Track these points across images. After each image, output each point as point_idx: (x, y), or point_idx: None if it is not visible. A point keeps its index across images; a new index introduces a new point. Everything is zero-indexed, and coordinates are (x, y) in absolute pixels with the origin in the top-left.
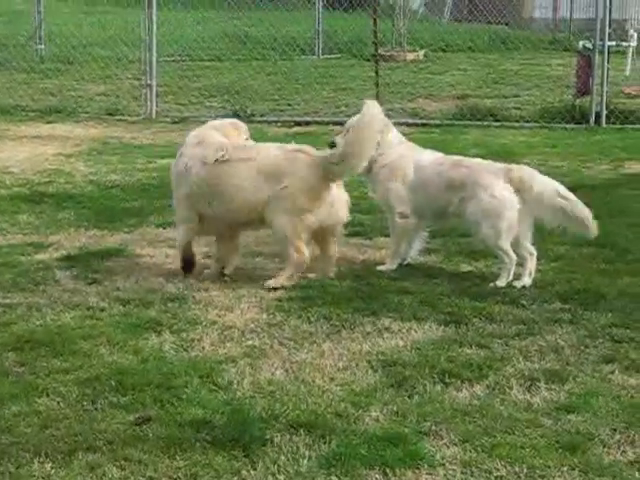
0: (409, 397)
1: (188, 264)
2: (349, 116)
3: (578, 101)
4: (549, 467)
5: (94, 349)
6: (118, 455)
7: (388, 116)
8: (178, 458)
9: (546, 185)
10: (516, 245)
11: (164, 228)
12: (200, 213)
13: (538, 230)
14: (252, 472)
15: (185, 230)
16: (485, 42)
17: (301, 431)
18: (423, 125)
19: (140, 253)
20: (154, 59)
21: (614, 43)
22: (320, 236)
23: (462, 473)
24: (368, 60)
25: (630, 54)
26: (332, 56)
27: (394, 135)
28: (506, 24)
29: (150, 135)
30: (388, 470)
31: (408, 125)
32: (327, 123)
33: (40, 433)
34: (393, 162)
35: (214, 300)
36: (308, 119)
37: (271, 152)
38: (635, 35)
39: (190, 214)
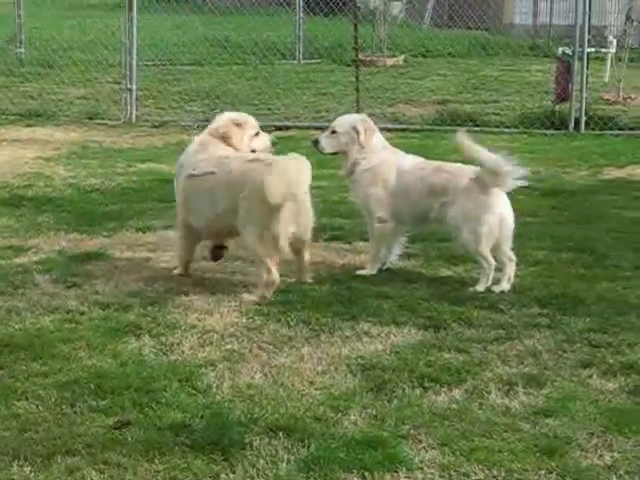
0: (388, 401)
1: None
2: (329, 121)
3: (557, 107)
4: (527, 471)
5: (73, 353)
6: (97, 459)
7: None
8: (157, 462)
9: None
10: (496, 250)
11: (143, 232)
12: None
13: (517, 235)
14: (231, 476)
15: (179, 235)
16: (465, 48)
17: (280, 435)
18: (403, 130)
19: (119, 257)
20: (134, 63)
21: (593, 49)
22: (291, 245)
23: (440, 477)
24: (348, 65)
25: (609, 61)
26: (312, 61)
27: (378, 139)
28: (486, 30)
29: (130, 139)
30: (367, 474)
31: (388, 130)
32: (307, 128)
33: (19, 436)
34: (375, 167)
35: (194, 304)
36: (288, 124)
37: (231, 164)
38: (614, 42)
39: (183, 220)
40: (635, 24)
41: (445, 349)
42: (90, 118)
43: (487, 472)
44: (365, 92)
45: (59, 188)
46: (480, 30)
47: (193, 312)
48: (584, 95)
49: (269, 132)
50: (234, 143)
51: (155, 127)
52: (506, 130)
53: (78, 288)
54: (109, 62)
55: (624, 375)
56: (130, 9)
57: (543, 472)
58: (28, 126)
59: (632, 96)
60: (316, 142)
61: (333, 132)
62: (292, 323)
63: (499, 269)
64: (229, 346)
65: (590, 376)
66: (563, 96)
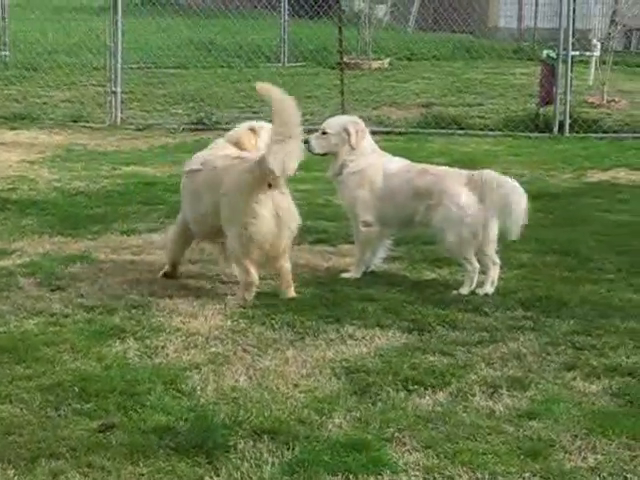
0: (372, 404)
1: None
2: (314, 124)
3: (542, 110)
4: (511, 473)
5: (57, 356)
6: (81, 462)
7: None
8: (141, 465)
9: (508, 183)
10: (480, 253)
11: (128, 235)
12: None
13: (501, 238)
14: (215, 478)
15: (175, 231)
16: (450, 51)
17: (264, 437)
18: (387, 133)
19: (104, 260)
20: (119, 66)
21: (577, 53)
22: (270, 250)
23: (424, 479)
24: (333, 68)
25: (593, 64)
26: (297, 64)
27: (368, 142)
28: (471, 33)
29: (115, 142)
30: (351, 476)
31: (373, 133)
32: None
33: (2, 440)
34: (362, 170)
35: (178, 307)
36: None
37: (215, 162)
38: (598, 45)
39: (182, 217)
40: (619, 27)
41: (429, 352)
42: (75, 121)
43: (471, 474)
44: (350, 95)
45: (43, 191)
46: (465, 33)
47: (178, 315)
48: (568, 98)
49: None
50: (248, 149)
51: (140, 130)
52: (490, 133)
53: (62, 291)
54: (94, 65)
55: (608, 377)
56: (115, 12)
57: (527, 474)
58: (12, 129)
59: (616, 99)
60: (306, 142)
61: (324, 133)
62: (277, 326)
63: (484, 272)
64: (214, 349)
65: (574, 378)
66: (547, 99)
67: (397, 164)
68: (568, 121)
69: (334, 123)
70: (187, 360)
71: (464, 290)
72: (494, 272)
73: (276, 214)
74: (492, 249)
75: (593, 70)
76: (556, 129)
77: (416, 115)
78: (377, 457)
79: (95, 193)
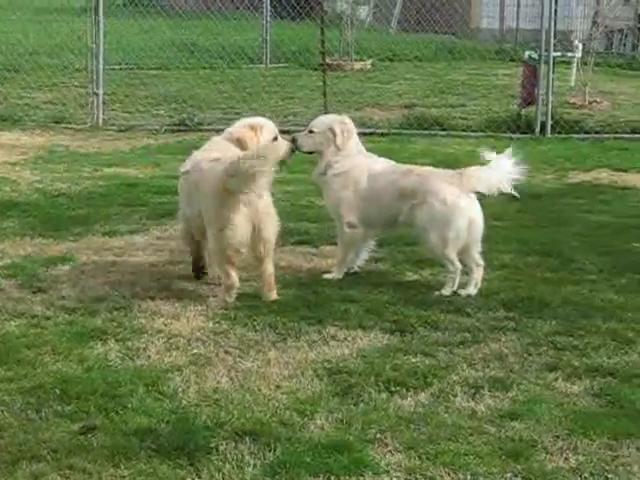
0: (354, 405)
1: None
2: (297, 125)
3: (524, 111)
4: (492, 474)
5: (39, 358)
6: (62, 464)
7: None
8: (123, 467)
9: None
10: (464, 254)
11: (110, 237)
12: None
13: (483, 239)
14: None
15: (180, 229)
16: (432, 52)
17: (246, 439)
18: (370, 134)
19: (86, 261)
20: (101, 67)
21: (559, 54)
22: (249, 254)
23: None
24: (315, 69)
25: (575, 65)
26: (280, 65)
27: (354, 143)
28: (453, 34)
29: (97, 143)
30: (333, 478)
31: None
32: None
33: None
34: (347, 172)
35: (160, 309)
36: None
37: (201, 164)
38: (580, 46)
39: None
40: (601, 29)
41: (411, 353)
42: (56, 122)
43: (453, 475)
44: (332, 96)
45: (25, 193)
46: (447, 34)
47: (159, 317)
48: (550, 99)
49: None
50: (249, 148)
51: (122, 131)
52: (472, 134)
53: (44, 293)
54: (75, 66)
55: (589, 378)
56: (96, 13)
57: (509, 475)
58: None
59: (598, 100)
60: (294, 140)
61: (310, 131)
62: (259, 327)
63: (466, 273)
64: (195, 351)
65: (555, 379)
66: (529, 100)
67: (382, 165)
68: (550, 122)
69: (321, 122)
70: (169, 362)
71: (446, 291)
72: (478, 274)
73: (252, 218)
74: (476, 250)
75: (575, 71)
76: (538, 130)
77: (398, 116)
78: (359, 458)
79: (77, 195)
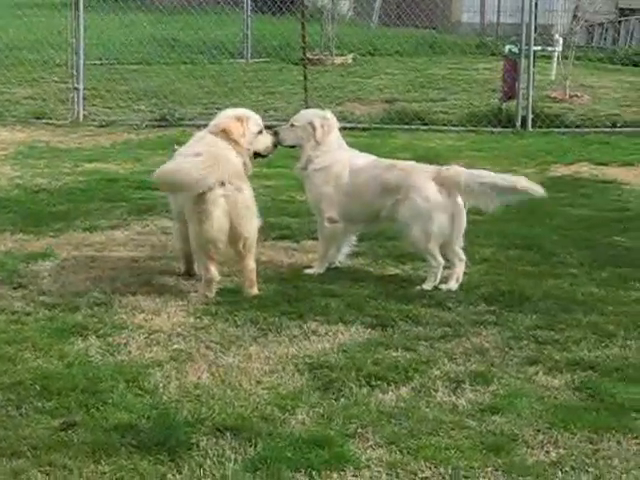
0: (335, 400)
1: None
2: (278, 119)
3: (504, 105)
4: (473, 468)
5: (19, 354)
6: (43, 460)
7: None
8: (103, 463)
9: (472, 174)
10: (446, 249)
11: (90, 232)
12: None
13: (464, 233)
14: (178, 476)
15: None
16: (413, 46)
17: (227, 435)
18: (351, 129)
19: (66, 257)
20: (81, 62)
21: (540, 48)
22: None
23: (387, 475)
24: (296, 64)
25: (555, 59)
26: (261, 60)
27: (335, 138)
28: (434, 28)
29: (77, 139)
30: (314, 472)
31: None
32: None
33: None
34: (328, 167)
35: (141, 304)
36: None
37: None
38: (560, 40)
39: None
40: (581, 23)
41: (392, 347)
42: (37, 118)
43: (434, 470)
44: (313, 91)
45: (5, 188)
46: (428, 29)
47: (140, 312)
48: (531, 93)
49: None
50: (235, 139)
51: (102, 127)
52: (453, 128)
53: (24, 289)
54: (56, 61)
55: (570, 372)
56: (77, 8)
57: (490, 469)
58: None
59: (578, 94)
60: (276, 134)
61: (292, 125)
62: (239, 322)
63: (447, 267)
64: (176, 346)
65: (536, 373)
66: (510, 94)
67: (364, 160)
68: (531, 116)
69: (302, 116)
70: (149, 357)
71: (427, 285)
72: (459, 269)
73: (230, 212)
74: (459, 245)
75: (555, 65)
76: (519, 124)
77: (379, 111)
78: (340, 453)
79: (57, 190)
